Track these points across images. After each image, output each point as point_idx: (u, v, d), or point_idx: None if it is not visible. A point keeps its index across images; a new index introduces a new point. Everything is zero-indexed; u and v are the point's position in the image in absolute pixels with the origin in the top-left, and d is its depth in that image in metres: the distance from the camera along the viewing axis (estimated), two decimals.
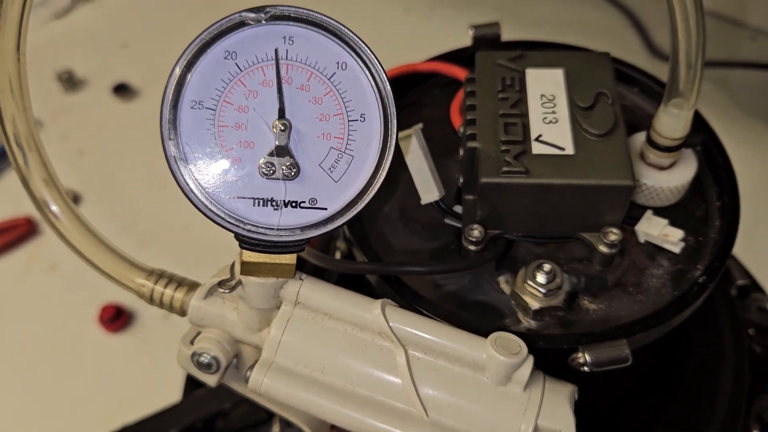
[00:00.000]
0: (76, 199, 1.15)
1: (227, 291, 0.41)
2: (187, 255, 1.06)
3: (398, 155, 0.54)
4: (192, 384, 0.81)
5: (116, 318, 1.01)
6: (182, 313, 0.45)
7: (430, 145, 0.55)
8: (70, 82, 1.30)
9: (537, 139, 0.48)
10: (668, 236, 0.50)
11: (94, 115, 1.29)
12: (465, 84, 0.53)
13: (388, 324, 0.41)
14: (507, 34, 0.60)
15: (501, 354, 0.40)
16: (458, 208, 0.53)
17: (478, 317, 0.48)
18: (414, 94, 0.61)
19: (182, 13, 1.41)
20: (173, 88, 0.36)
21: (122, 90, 1.29)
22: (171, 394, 0.81)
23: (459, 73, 0.58)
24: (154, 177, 1.16)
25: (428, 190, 0.51)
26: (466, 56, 0.59)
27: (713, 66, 1.22)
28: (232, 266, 0.43)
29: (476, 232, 0.49)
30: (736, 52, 1.26)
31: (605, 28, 1.33)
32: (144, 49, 1.38)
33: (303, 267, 0.57)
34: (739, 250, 0.89)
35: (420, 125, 0.52)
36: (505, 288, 0.50)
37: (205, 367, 0.43)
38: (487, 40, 0.60)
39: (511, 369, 0.41)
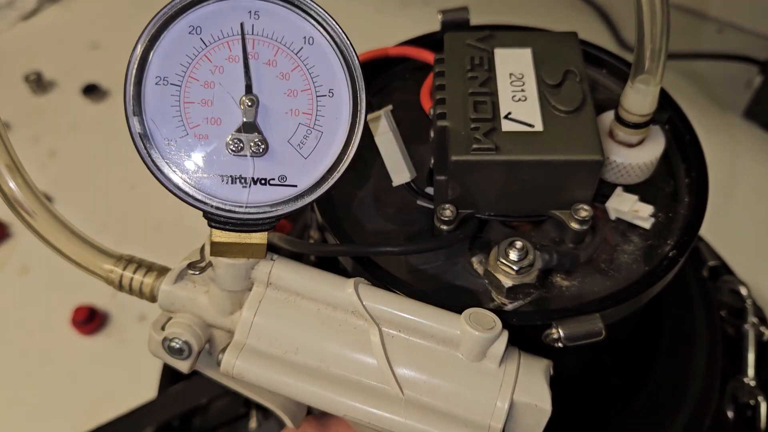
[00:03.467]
0: (48, 200, 1.13)
1: (197, 273, 0.41)
2: (162, 254, 1.04)
3: (370, 139, 0.54)
4: (167, 380, 0.80)
5: (90, 320, 0.99)
6: (152, 299, 0.44)
7: (401, 129, 0.55)
8: (38, 83, 1.28)
9: (506, 117, 0.48)
10: (639, 212, 0.50)
11: (65, 116, 1.27)
12: (434, 64, 0.53)
13: (362, 302, 0.41)
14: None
15: (475, 329, 0.40)
16: (430, 190, 0.53)
17: (453, 297, 0.48)
18: (384, 79, 0.61)
19: (153, 12, 1.39)
20: (136, 63, 0.36)
21: (92, 91, 1.28)
22: (148, 394, 0.80)
23: (428, 57, 0.57)
24: (126, 177, 1.14)
25: (399, 171, 0.51)
26: (435, 41, 0.59)
27: (681, 58, 1.23)
28: (203, 248, 0.42)
29: (448, 211, 0.49)
30: (702, 44, 1.28)
31: (574, 22, 1.34)
32: (114, 49, 1.36)
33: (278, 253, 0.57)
34: (710, 234, 0.91)
35: (389, 107, 0.52)
36: (479, 268, 0.50)
37: (177, 353, 0.43)
38: (455, 24, 0.60)
39: (485, 344, 0.41)
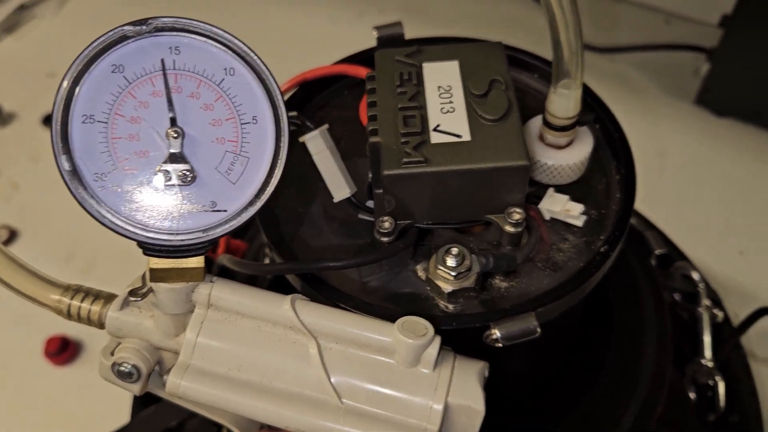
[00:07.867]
0: (13, 234, 1.13)
1: (139, 299, 0.42)
2: (130, 281, 1.05)
3: (309, 157, 0.55)
4: (140, 404, 0.81)
5: (62, 350, 0.99)
6: (101, 325, 0.45)
7: (341, 145, 0.57)
8: None
9: (435, 129, 0.50)
10: (570, 211, 0.52)
11: (26, 147, 1.27)
12: (366, 82, 0.54)
13: (298, 317, 0.43)
14: (431, 34, 0.62)
15: (408, 337, 0.42)
16: (371, 203, 0.54)
17: (400, 305, 0.50)
18: (324, 97, 0.62)
19: None
20: (62, 104, 0.37)
21: None
22: (125, 419, 0.81)
23: (364, 73, 0.59)
24: None
25: (339, 188, 0.53)
26: (371, 57, 0.61)
27: (631, 50, 1.27)
28: (144, 275, 0.44)
29: (386, 223, 0.50)
30: (651, 35, 1.31)
31: (530, 24, 1.36)
32: None
33: (236, 276, 0.59)
34: (665, 220, 0.93)
35: (326, 126, 0.54)
36: (423, 275, 0.52)
37: (126, 377, 0.44)
38: (391, 39, 0.62)
39: (418, 351, 0.42)
